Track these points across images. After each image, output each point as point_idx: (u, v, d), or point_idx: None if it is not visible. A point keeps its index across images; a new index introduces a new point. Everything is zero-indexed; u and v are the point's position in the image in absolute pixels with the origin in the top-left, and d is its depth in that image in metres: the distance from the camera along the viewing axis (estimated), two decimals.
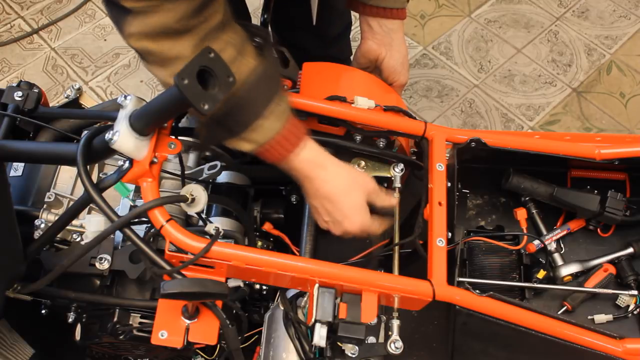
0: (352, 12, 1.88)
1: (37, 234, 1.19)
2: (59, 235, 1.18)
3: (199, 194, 1.00)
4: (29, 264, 1.13)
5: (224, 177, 1.28)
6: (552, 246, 1.25)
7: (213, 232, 0.98)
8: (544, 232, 1.27)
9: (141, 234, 0.99)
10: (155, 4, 0.85)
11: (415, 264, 1.10)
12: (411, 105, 2.41)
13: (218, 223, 1.01)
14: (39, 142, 1.26)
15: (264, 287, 1.24)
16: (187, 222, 1.24)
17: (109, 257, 1.15)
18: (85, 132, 1.18)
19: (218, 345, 1.28)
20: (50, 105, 1.39)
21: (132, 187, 1.19)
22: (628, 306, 1.20)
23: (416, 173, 1.22)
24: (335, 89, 1.21)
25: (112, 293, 1.20)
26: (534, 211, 1.28)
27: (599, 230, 1.26)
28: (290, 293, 1.13)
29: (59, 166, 1.31)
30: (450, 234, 1.08)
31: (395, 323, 1.01)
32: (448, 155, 1.16)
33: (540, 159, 1.18)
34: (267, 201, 1.32)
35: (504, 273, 1.23)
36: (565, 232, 1.25)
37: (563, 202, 1.21)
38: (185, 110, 0.92)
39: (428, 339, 1.27)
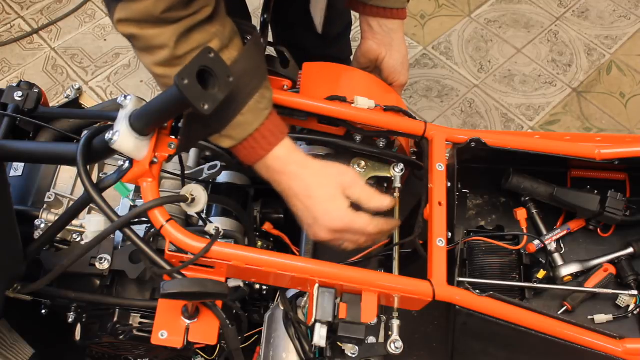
0: (352, 12, 1.88)
1: (37, 234, 1.19)
2: (59, 235, 1.18)
3: (199, 194, 1.00)
4: (29, 264, 1.13)
5: (224, 177, 1.28)
6: (552, 246, 1.25)
7: (213, 232, 0.98)
8: (544, 232, 1.27)
9: (141, 234, 0.99)
10: None
11: (415, 264, 1.10)
12: (411, 105, 2.41)
13: (218, 223, 1.01)
14: (39, 142, 1.26)
15: (264, 287, 1.24)
16: (187, 222, 1.24)
17: (109, 257, 1.15)
18: (85, 132, 1.18)
19: (218, 345, 1.28)
20: (50, 105, 1.39)
21: (132, 187, 1.19)
22: (628, 306, 1.20)
23: (416, 173, 1.22)
24: (335, 89, 1.21)
25: (112, 293, 1.20)
26: (534, 211, 1.28)
27: (599, 230, 1.26)
28: (290, 293, 1.13)
29: (59, 166, 1.31)
30: (450, 234, 1.08)
31: (395, 323, 1.01)
32: (448, 155, 1.16)
33: (540, 159, 1.18)
34: (267, 201, 1.32)
35: (504, 273, 1.23)
36: (565, 232, 1.25)
37: (563, 202, 1.21)
38: (186, 111, 0.92)
39: (428, 339, 1.27)
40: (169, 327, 1.05)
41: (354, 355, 1.02)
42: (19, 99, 1.25)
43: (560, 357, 1.11)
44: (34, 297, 1.18)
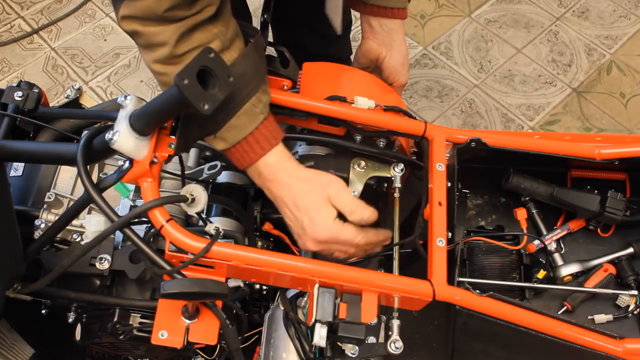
0: (352, 11, 1.88)
1: (37, 234, 1.19)
2: (59, 235, 1.18)
3: (199, 194, 1.00)
4: (29, 264, 1.13)
5: (224, 177, 1.28)
6: (552, 246, 1.25)
7: (213, 232, 0.98)
8: (544, 232, 1.27)
9: (141, 234, 0.99)
10: None
11: (415, 264, 1.09)
12: (411, 105, 2.41)
13: (218, 223, 1.01)
14: (39, 142, 1.26)
15: (264, 287, 1.24)
16: (187, 222, 1.24)
17: (109, 257, 1.15)
18: (85, 132, 1.18)
19: (218, 345, 1.28)
20: (50, 105, 1.39)
21: (132, 187, 1.19)
22: (628, 306, 1.20)
23: (416, 173, 1.22)
24: (335, 89, 1.21)
25: (112, 293, 1.20)
26: (534, 211, 1.28)
27: (599, 230, 1.25)
28: (290, 293, 1.13)
29: (59, 166, 1.31)
30: (450, 234, 1.08)
31: (395, 323, 1.01)
32: (448, 155, 1.16)
33: (540, 159, 1.18)
34: (267, 201, 1.31)
35: (504, 273, 1.23)
36: (565, 232, 1.25)
37: (563, 202, 1.21)
38: (186, 111, 0.92)
39: (428, 339, 1.27)
40: (169, 327, 1.05)
41: (354, 355, 1.02)
42: (19, 99, 1.25)
43: (560, 357, 1.11)
44: (34, 297, 1.18)
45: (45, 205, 1.23)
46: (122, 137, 0.90)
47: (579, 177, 1.25)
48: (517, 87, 2.48)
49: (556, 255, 1.25)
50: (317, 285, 1.00)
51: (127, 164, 0.96)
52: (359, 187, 1.15)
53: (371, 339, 1.04)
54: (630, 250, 1.22)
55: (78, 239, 1.21)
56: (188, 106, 0.81)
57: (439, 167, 1.12)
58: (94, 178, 1.22)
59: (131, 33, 0.95)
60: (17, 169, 1.33)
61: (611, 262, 1.23)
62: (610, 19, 2.68)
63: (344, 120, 1.17)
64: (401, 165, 1.18)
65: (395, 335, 1.00)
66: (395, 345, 0.99)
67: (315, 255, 1.16)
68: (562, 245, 1.26)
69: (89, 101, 1.45)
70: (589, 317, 1.20)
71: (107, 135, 0.90)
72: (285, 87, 1.20)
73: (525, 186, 1.23)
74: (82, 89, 1.46)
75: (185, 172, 1.14)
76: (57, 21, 2.64)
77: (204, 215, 1.05)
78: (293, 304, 1.12)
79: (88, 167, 0.97)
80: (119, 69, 2.51)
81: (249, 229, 1.24)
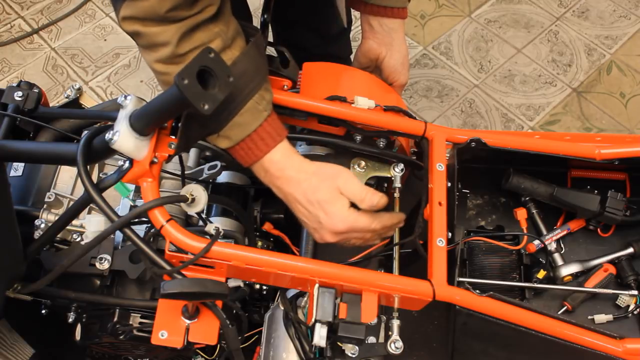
0: (352, 10, 1.88)
1: (37, 234, 1.19)
2: (59, 235, 1.18)
3: (199, 194, 1.00)
4: (29, 264, 1.13)
5: (224, 177, 1.28)
6: (552, 246, 1.25)
7: (213, 232, 0.98)
8: (544, 232, 1.27)
9: (141, 234, 0.99)
10: None
11: (415, 264, 1.10)
12: (411, 105, 2.41)
13: (218, 223, 1.01)
14: (39, 142, 1.26)
15: (264, 287, 1.24)
16: (187, 222, 1.24)
17: (109, 257, 1.15)
18: (85, 132, 1.18)
19: (218, 345, 1.28)
20: (51, 105, 1.39)
21: (132, 187, 1.19)
22: (628, 306, 1.20)
23: (416, 173, 1.22)
24: (335, 89, 1.21)
25: (112, 293, 1.20)
26: (534, 211, 1.28)
27: (599, 230, 1.26)
28: (290, 293, 1.13)
29: (59, 166, 1.31)
30: (450, 234, 1.08)
31: (395, 323, 1.01)
32: (448, 155, 1.16)
33: (540, 159, 1.18)
34: (267, 201, 1.32)
35: (504, 273, 1.23)
36: (565, 232, 1.25)
37: (563, 202, 1.21)
38: (186, 110, 0.92)
39: (428, 339, 1.27)
40: (169, 327, 1.05)
41: (354, 355, 1.02)
42: (19, 99, 1.25)
43: (560, 357, 1.11)
44: (34, 297, 1.18)
45: (45, 205, 1.23)
46: (122, 137, 0.90)
47: (579, 177, 1.25)
48: (517, 87, 2.48)
49: (556, 255, 1.25)
50: (317, 285, 1.00)
51: (127, 164, 0.96)
52: None
53: (371, 339, 1.04)
54: (630, 250, 1.22)
55: (78, 239, 1.21)
56: (188, 106, 0.81)
57: (439, 167, 1.12)
58: (94, 178, 1.22)
59: (132, 34, 0.95)
60: (17, 169, 1.33)
61: (611, 262, 1.23)
62: (610, 19, 2.68)
63: (344, 120, 1.17)
64: (401, 165, 1.18)
65: (395, 335, 1.00)
66: (395, 345, 0.99)
67: (315, 255, 1.16)
68: (562, 245, 1.26)
69: (89, 101, 1.45)
70: (589, 317, 1.20)
71: (107, 135, 0.90)
72: (285, 87, 1.20)
73: (525, 186, 1.23)
74: (82, 89, 1.46)
75: (185, 172, 1.13)
76: (57, 21, 2.64)
77: (204, 215, 1.05)
78: (293, 304, 1.12)
79: (88, 167, 0.97)
80: (119, 69, 2.51)
81: (249, 229, 1.24)
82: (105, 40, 2.60)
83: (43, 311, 1.26)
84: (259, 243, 1.27)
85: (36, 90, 1.28)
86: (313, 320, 0.98)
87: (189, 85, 0.79)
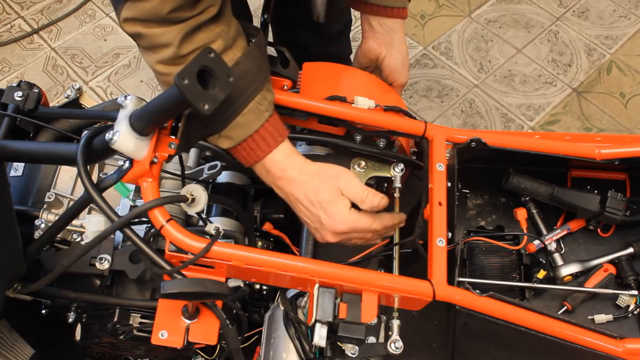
0: (352, 10, 1.88)
1: (37, 234, 1.19)
2: (59, 235, 1.18)
3: (199, 194, 1.00)
4: (29, 264, 1.13)
5: (224, 177, 1.28)
6: (552, 246, 1.25)
7: (213, 232, 0.98)
8: (544, 232, 1.27)
9: (141, 234, 0.99)
10: None
11: (415, 264, 1.10)
12: (411, 105, 2.41)
13: (218, 223, 1.01)
14: (39, 142, 1.26)
15: (264, 287, 1.24)
16: (187, 222, 1.24)
17: (109, 257, 1.15)
18: (85, 132, 1.18)
19: (218, 345, 1.28)
20: (51, 105, 1.39)
21: (132, 187, 1.19)
22: (628, 306, 1.20)
23: (416, 173, 1.22)
24: (336, 89, 1.21)
25: (112, 293, 1.20)
26: (534, 211, 1.28)
27: (599, 230, 1.26)
28: (290, 293, 1.13)
29: (59, 166, 1.31)
30: (450, 234, 1.08)
31: (395, 323, 1.01)
32: (448, 155, 1.16)
33: (540, 159, 1.18)
34: (267, 201, 1.32)
35: (504, 273, 1.23)
36: (565, 232, 1.25)
37: (563, 202, 1.21)
38: (186, 111, 0.92)
39: (428, 339, 1.27)
40: (169, 327, 1.05)
41: (354, 355, 1.02)
42: (19, 99, 1.25)
43: (560, 357, 1.11)
44: (34, 297, 1.18)
45: (45, 205, 1.23)
46: (122, 137, 0.90)
47: (579, 177, 1.25)
48: (517, 87, 2.48)
49: (556, 255, 1.25)
50: (317, 285, 1.00)
51: (127, 164, 0.96)
52: None
53: (371, 339, 1.04)
54: (630, 250, 1.22)
55: (78, 239, 1.21)
56: (188, 106, 0.81)
57: (439, 167, 1.12)
58: (94, 178, 1.22)
59: (133, 35, 0.95)
60: (17, 169, 1.33)
61: (611, 262, 1.23)
62: (610, 19, 2.68)
63: (344, 120, 1.17)
64: (401, 165, 1.18)
65: (395, 335, 1.00)
66: (395, 345, 0.99)
67: (315, 255, 1.16)
68: (562, 245, 1.26)
69: (89, 101, 1.45)
70: (589, 317, 1.20)
71: (107, 135, 0.90)
72: (285, 87, 1.20)
73: (525, 186, 1.23)
74: (82, 89, 1.46)
75: (185, 172, 1.13)
76: (57, 21, 2.64)
77: (204, 215, 1.05)
78: (293, 304, 1.12)
79: (88, 167, 0.97)
80: (119, 69, 2.51)
81: (249, 229, 1.24)
82: (105, 40, 2.60)
83: (43, 311, 1.26)
84: (259, 243, 1.27)
85: (36, 90, 1.28)
86: (313, 320, 0.98)
87: (189, 85, 0.79)
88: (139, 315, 1.21)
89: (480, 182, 1.30)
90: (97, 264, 1.15)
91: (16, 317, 1.28)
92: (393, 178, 1.18)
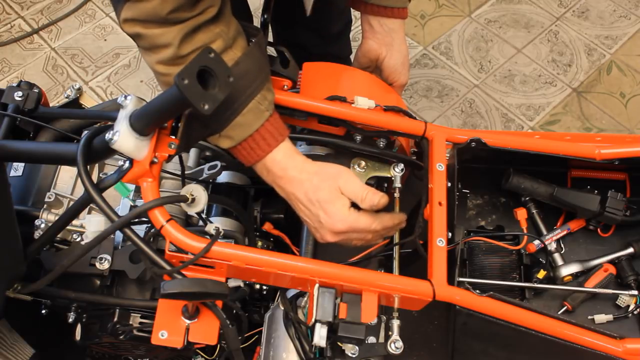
0: (352, 10, 1.88)
1: (37, 234, 1.19)
2: (59, 235, 1.18)
3: (199, 194, 1.00)
4: (29, 264, 1.12)
5: (224, 177, 1.28)
6: (552, 246, 1.25)
7: (213, 232, 0.98)
8: (544, 232, 1.27)
9: (141, 234, 0.99)
10: None
11: (415, 264, 1.10)
12: (411, 105, 2.41)
13: (218, 223, 1.01)
14: (39, 142, 1.26)
15: (264, 287, 1.24)
16: (187, 222, 1.24)
17: (109, 257, 1.15)
18: (86, 132, 1.18)
19: (218, 345, 1.28)
20: (51, 105, 1.39)
21: (132, 187, 1.19)
22: (628, 306, 1.20)
23: (416, 173, 1.22)
24: (336, 89, 1.21)
25: (112, 293, 1.20)
26: (534, 211, 1.28)
27: (599, 230, 1.26)
28: (290, 293, 1.13)
29: (59, 166, 1.31)
30: (450, 234, 1.08)
31: (396, 323, 1.01)
32: (448, 155, 1.16)
33: (540, 159, 1.18)
34: (267, 201, 1.32)
35: (504, 273, 1.23)
36: (565, 232, 1.25)
37: (563, 202, 1.21)
38: (186, 111, 0.92)
39: (428, 339, 1.27)
40: (169, 327, 1.04)
41: (354, 355, 1.02)
42: (19, 99, 1.25)
43: (560, 357, 1.11)
44: (34, 297, 1.18)
45: (45, 205, 1.23)
46: (122, 137, 0.90)
47: (579, 177, 1.25)
48: (517, 87, 2.48)
49: (556, 255, 1.25)
50: (317, 285, 1.00)
51: (127, 164, 0.96)
52: None
53: (371, 339, 1.04)
54: (630, 250, 1.22)
55: (78, 239, 1.21)
56: (188, 106, 0.81)
57: (439, 167, 1.12)
58: (94, 178, 1.22)
59: (133, 36, 0.95)
60: (17, 169, 1.33)
61: (611, 262, 1.23)
62: (610, 19, 2.68)
63: (344, 120, 1.17)
64: (401, 165, 1.18)
65: (395, 335, 1.00)
66: (395, 345, 0.99)
67: (315, 255, 1.16)
68: (562, 245, 1.26)
69: (89, 101, 1.45)
70: (589, 317, 1.20)
71: (107, 135, 0.90)
72: (285, 87, 1.20)
73: (525, 186, 1.23)
74: (82, 89, 1.46)
75: (185, 172, 1.13)
76: (57, 21, 2.64)
77: (204, 215, 1.05)
78: (293, 304, 1.12)
79: (88, 167, 0.97)
80: (119, 69, 2.51)
81: (249, 229, 1.24)
82: (105, 40, 2.60)
83: (43, 311, 1.26)
84: (259, 243, 1.27)
85: (36, 90, 1.28)
86: (313, 320, 0.98)
87: (189, 85, 0.79)
88: (139, 315, 1.21)
89: (480, 182, 1.30)
90: (97, 264, 1.15)
91: (16, 317, 1.28)
92: (393, 178, 1.18)
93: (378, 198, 1.03)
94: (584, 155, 1.16)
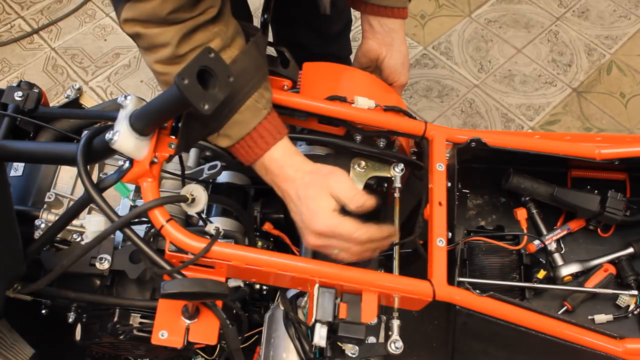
0: (352, 10, 1.88)
1: (37, 234, 1.19)
2: (59, 235, 1.18)
3: (199, 194, 1.00)
4: (29, 264, 1.12)
5: (224, 177, 1.28)
6: (552, 246, 1.25)
7: (213, 232, 0.98)
8: (544, 232, 1.27)
9: (141, 234, 0.99)
10: None
11: (415, 264, 1.10)
12: (411, 105, 2.41)
13: (218, 223, 1.01)
14: (39, 142, 1.26)
15: (264, 287, 1.24)
16: (187, 222, 1.24)
17: (109, 257, 1.15)
18: (86, 132, 1.18)
19: (218, 345, 1.28)
20: (51, 105, 1.39)
21: (132, 187, 1.19)
22: (628, 306, 1.20)
23: (416, 173, 1.22)
24: (336, 89, 1.21)
25: (112, 293, 1.20)
26: (534, 211, 1.28)
27: (599, 230, 1.26)
28: (290, 293, 1.13)
29: (59, 166, 1.31)
30: (450, 234, 1.08)
31: (396, 323, 1.01)
32: (448, 155, 1.16)
33: (540, 159, 1.18)
34: (267, 201, 1.32)
35: (504, 273, 1.23)
36: (565, 232, 1.25)
37: (563, 202, 1.21)
38: (186, 110, 0.92)
39: (428, 339, 1.27)
40: (169, 327, 1.04)
41: (354, 355, 1.02)
42: (19, 99, 1.25)
43: (560, 357, 1.11)
44: (34, 297, 1.18)
45: (45, 205, 1.23)
46: (122, 137, 0.90)
47: (579, 177, 1.25)
48: (517, 87, 2.48)
49: (556, 255, 1.25)
50: (317, 285, 1.00)
51: (127, 164, 0.96)
52: (359, 187, 1.15)
53: (371, 339, 1.04)
54: (630, 250, 1.22)
55: (78, 239, 1.21)
56: (188, 106, 0.81)
57: (439, 167, 1.12)
58: (94, 178, 1.22)
59: (133, 35, 0.95)
60: (17, 169, 1.33)
61: (611, 262, 1.23)
62: (610, 19, 2.68)
63: (344, 120, 1.17)
64: (401, 165, 1.18)
65: (395, 335, 1.00)
66: (395, 345, 0.99)
67: (316, 255, 1.16)
68: (562, 245, 1.26)
69: (89, 101, 1.45)
70: (589, 317, 1.20)
71: (107, 135, 0.90)
72: (285, 87, 1.20)
73: (525, 186, 1.23)
74: (82, 89, 1.46)
75: (185, 172, 1.13)
76: (57, 21, 2.64)
77: (204, 215, 1.05)
78: (293, 304, 1.12)
79: (88, 167, 0.97)
80: (119, 69, 2.51)
81: (249, 229, 1.24)
82: (105, 40, 2.60)
83: (43, 311, 1.26)
84: (259, 243, 1.27)
85: (36, 90, 1.28)
86: (313, 320, 0.98)
87: (189, 85, 0.79)
88: (139, 315, 1.21)
89: (480, 182, 1.30)
90: (97, 264, 1.15)
91: (16, 317, 1.28)
92: (393, 178, 1.18)
93: (365, 199, 1.00)
94: (584, 155, 1.16)
